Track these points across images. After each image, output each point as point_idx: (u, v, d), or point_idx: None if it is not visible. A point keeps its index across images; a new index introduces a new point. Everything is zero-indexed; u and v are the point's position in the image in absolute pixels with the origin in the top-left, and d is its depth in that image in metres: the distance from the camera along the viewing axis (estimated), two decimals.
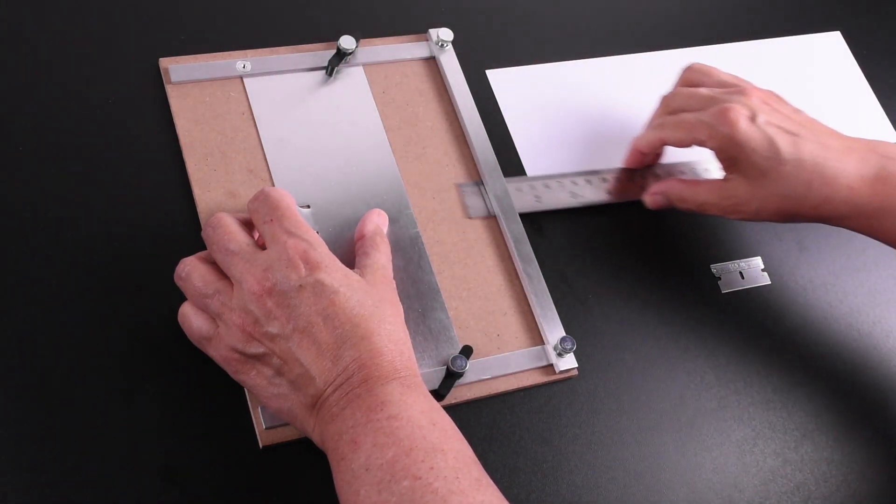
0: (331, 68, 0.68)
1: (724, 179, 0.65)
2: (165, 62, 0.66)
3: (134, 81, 0.65)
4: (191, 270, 0.54)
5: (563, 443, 0.60)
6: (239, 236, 0.54)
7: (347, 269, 0.54)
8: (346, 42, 0.68)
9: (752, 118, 0.63)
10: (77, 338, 0.55)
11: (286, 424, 0.55)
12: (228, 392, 0.56)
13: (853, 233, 0.66)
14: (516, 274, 0.65)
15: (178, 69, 0.65)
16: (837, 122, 0.67)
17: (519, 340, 0.62)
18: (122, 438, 0.53)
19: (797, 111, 0.66)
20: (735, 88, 0.66)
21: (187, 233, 0.60)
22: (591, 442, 0.61)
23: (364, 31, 0.71)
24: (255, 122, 0.65)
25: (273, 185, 0.63)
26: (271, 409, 0.53)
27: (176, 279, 0.55)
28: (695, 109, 0.66)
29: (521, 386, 0.61)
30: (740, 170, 0.63)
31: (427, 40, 0.73)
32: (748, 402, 0.65)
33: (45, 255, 0.57)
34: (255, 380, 0.53)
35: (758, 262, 0.71)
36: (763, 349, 0.67)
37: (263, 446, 0.55)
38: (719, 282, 0.69)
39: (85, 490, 0.52)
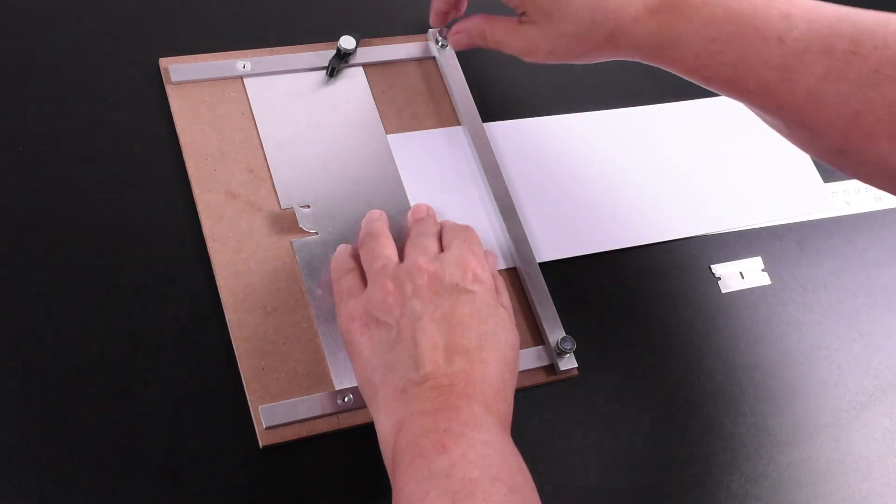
0: (331, 68, 0.68)
1: (519, 21, 0.63)
2: (165, 62, 0.66)
3: (134, 81, 0.65)
4: (383, 235, 0.59)
5: (563, 443, 0.60)
6: (431, 242, 0.58)
7: (504, 304, 0.57)
8: (346, 42, 0.68)
9: None
10: (77, 338, 0.55)
11: (286, 424, 0.55)
12: (228, 392, 0.56)
13: (853, 233, 0.66)
14: (516, 274, 0.65)
15: (178, 69, 0.65)
16: (766, 172, 0.74)
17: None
18: (122, 438, 0.53)
19: None
20: None
21: (187, 233, 0.60)
22: (591, 442, 0.61)
23: (364, 32, 0.71)
24: (255, 122, 0.65)
25: (273, 184, 0.63)
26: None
27: (367, 226, 0.60)
28: None
29: (521, 386, 0.61)
30: (529, 14, 0.62)
31: (427, 40, 0.73)
32: (748, 402, 0.65)
33: (45, 255, 0.57)
34: (364, 344, 0.54)
35: (758, 262, 0.71)
36: (763, 349, 0.67)
37: (263, 446, 0.55)
38: (719, 282, 0.69)
39: (85, 490, 0.52)
